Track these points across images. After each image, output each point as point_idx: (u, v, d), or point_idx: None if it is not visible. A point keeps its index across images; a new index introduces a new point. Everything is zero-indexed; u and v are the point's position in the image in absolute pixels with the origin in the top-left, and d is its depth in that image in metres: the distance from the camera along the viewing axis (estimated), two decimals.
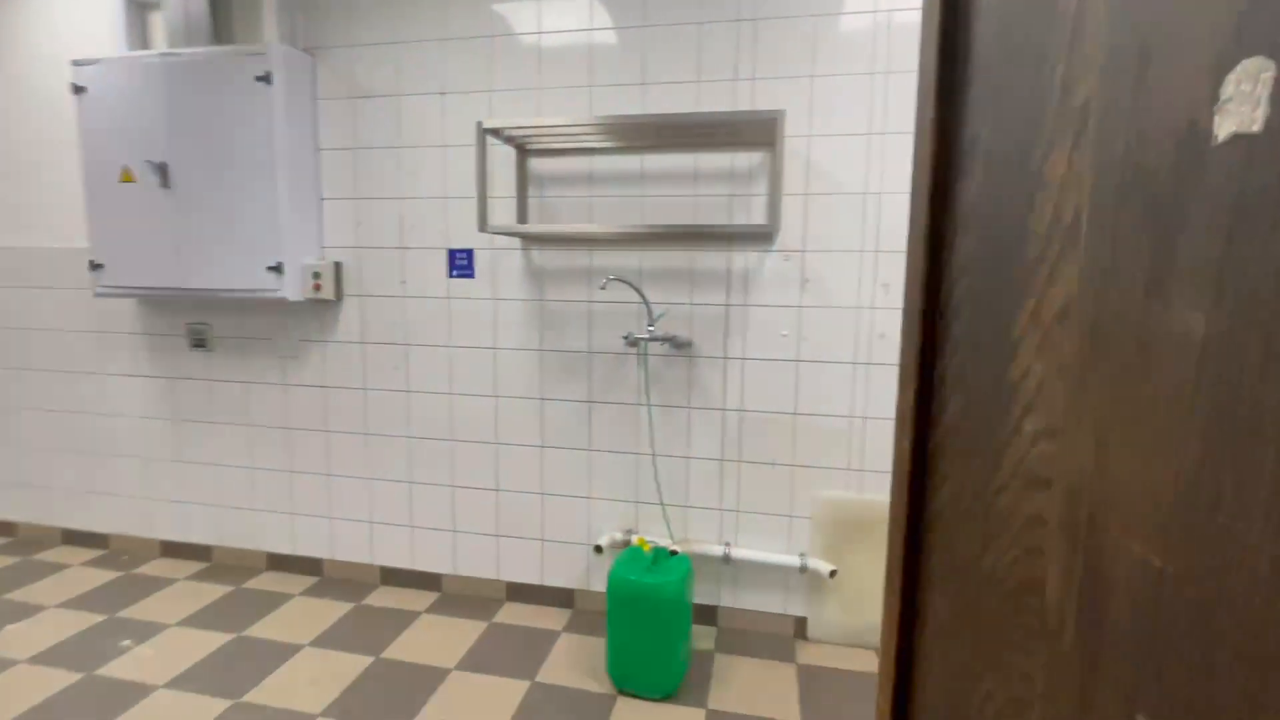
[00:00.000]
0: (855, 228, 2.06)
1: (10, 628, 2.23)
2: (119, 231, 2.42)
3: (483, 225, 2.00)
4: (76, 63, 2.39)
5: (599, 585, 2.37)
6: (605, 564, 2.34)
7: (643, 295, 2.11)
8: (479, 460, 2.42)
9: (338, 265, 2.44)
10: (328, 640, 2.18)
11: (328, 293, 2.40)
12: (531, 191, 2.28)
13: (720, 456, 2.23)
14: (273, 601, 2.44)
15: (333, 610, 2.38)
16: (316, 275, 2.38)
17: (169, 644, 2.14)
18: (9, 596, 2.44)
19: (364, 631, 2.24)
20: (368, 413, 2.50)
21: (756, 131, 1.95)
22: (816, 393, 2.13)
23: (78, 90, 2.39)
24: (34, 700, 1.85)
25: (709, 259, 2.17)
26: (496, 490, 2.43)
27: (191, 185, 2.33)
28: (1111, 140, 0.33)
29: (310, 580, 2.61)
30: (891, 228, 2.04)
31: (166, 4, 2.40)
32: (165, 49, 2.33)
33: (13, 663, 2.03)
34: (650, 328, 2.11)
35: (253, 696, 1.89)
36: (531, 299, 2.31)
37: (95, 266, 2.46)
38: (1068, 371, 0.36)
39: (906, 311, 0.57)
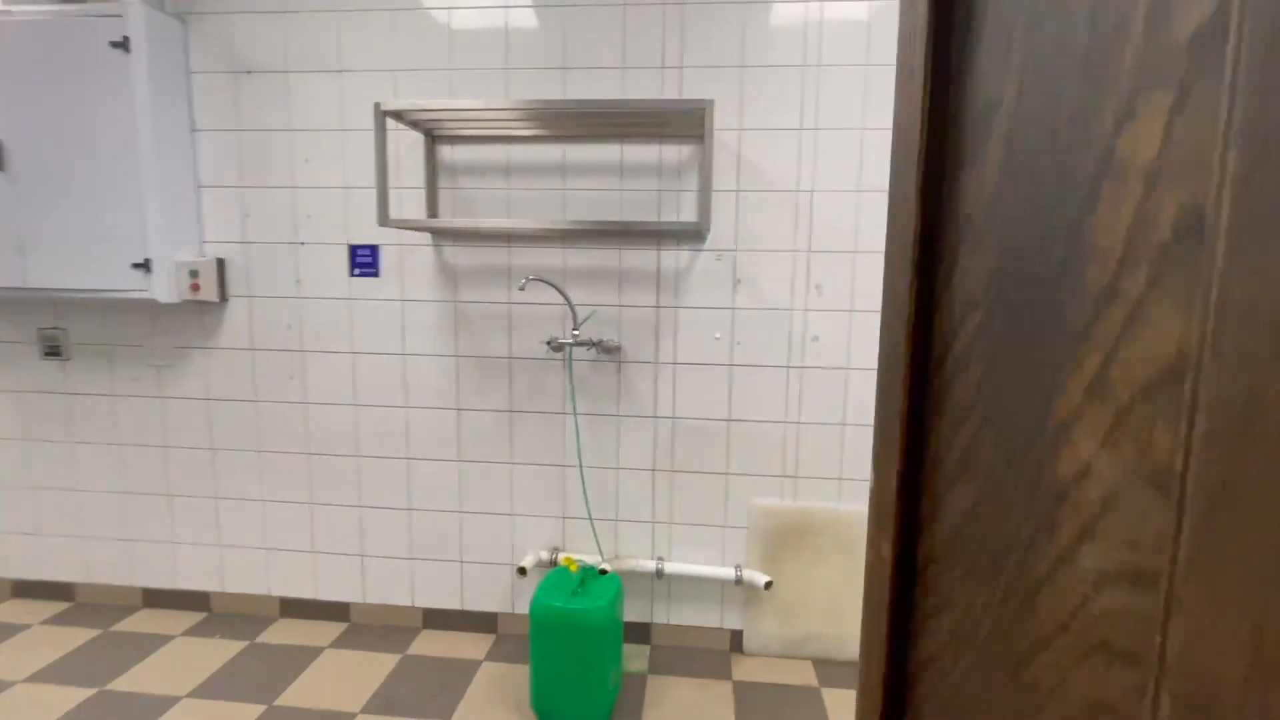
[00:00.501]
0: (788, 227, 1.98)
1: None
2: None
3: (383, 219, 1.79)
4: None
5: (524, 607, 2.21)
6: (530, 585, 2.18)
7: (566, 296, 1.96)
8: (389, 477, 2.21)
9: (220, 262, 2.15)
10: (212, 688, 1.92)
11: (209, 293, 2.12)
12: (443, 182, 2.08)
13: (652, 467, 2.11)
14: (147, 645, 2.14)
15: (220, 651, 2.11)
16: (194, 274, 2.09)
17: (16, 705, 1.83)
18: None
19: (257, 674, 1.99)
20: (260, 427, 2.23)
21: (685, 122, 1.84)
22: (750, 398, 2.05)
23: None
24: None
25: (637, 258, 2.04)
26: (409, 510, 2.22)
27: (36, 168, 1.99)
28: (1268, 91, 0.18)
29: (195, 617, 2.31)
30: (825, 227, 1.97)
31: None
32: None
33: None
34: (575, 331, 1.96)
35: None
36: (444, 300, 2.12)
37: None
38: (1166, 479, 0.21)
39: (884, 359, 0.42)
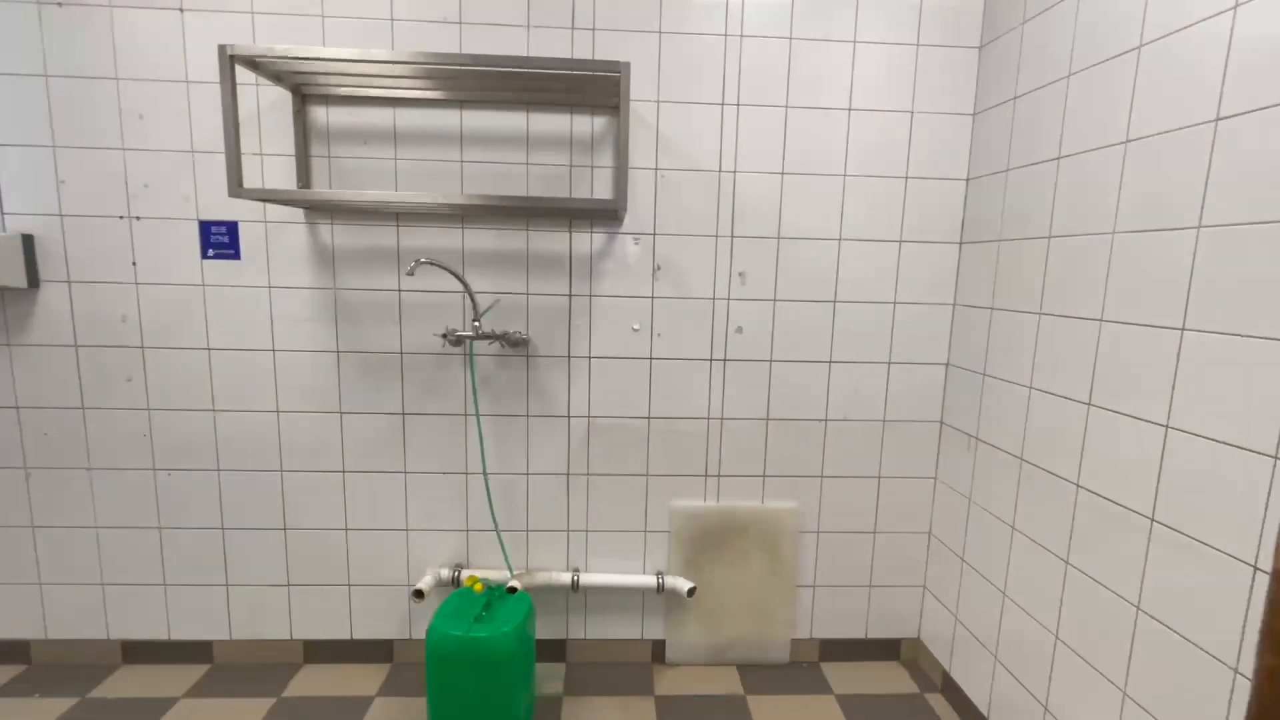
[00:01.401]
0: (709, 209, 1.85)
1: None
2: None
3: (235, 188, 1.48)
4: None
5: (423, 632, 1.97)
6: (431, 609, 1.95)
7: (464, 283, 1.73)
8: (258, 493, 1.89)
9: (27, 239, 1.75)
10: None
11: (12, 277, 1.71)
12: (317, 150, 1.78)
13: (566, 470, 1.93)
14: None
15: (40, 714, 1.73)
16: None
17: None
18: None
19: None
20: (89, 440, 1.85)
21: (598, 90, 1.65)
22: (671, 394, 1.91)
23: None
24: None
25: (546, 240, 1.83)
26: (284, 529, 1.92)
27: None
28: None
29: (12, 671, 1.90)
30: (748, 211, 1.85)
31: None
32: None
33: None
34: (476, 323, 1.74)
35: None
36: (321, 287, 1.82)
37: None
38: None
39: None
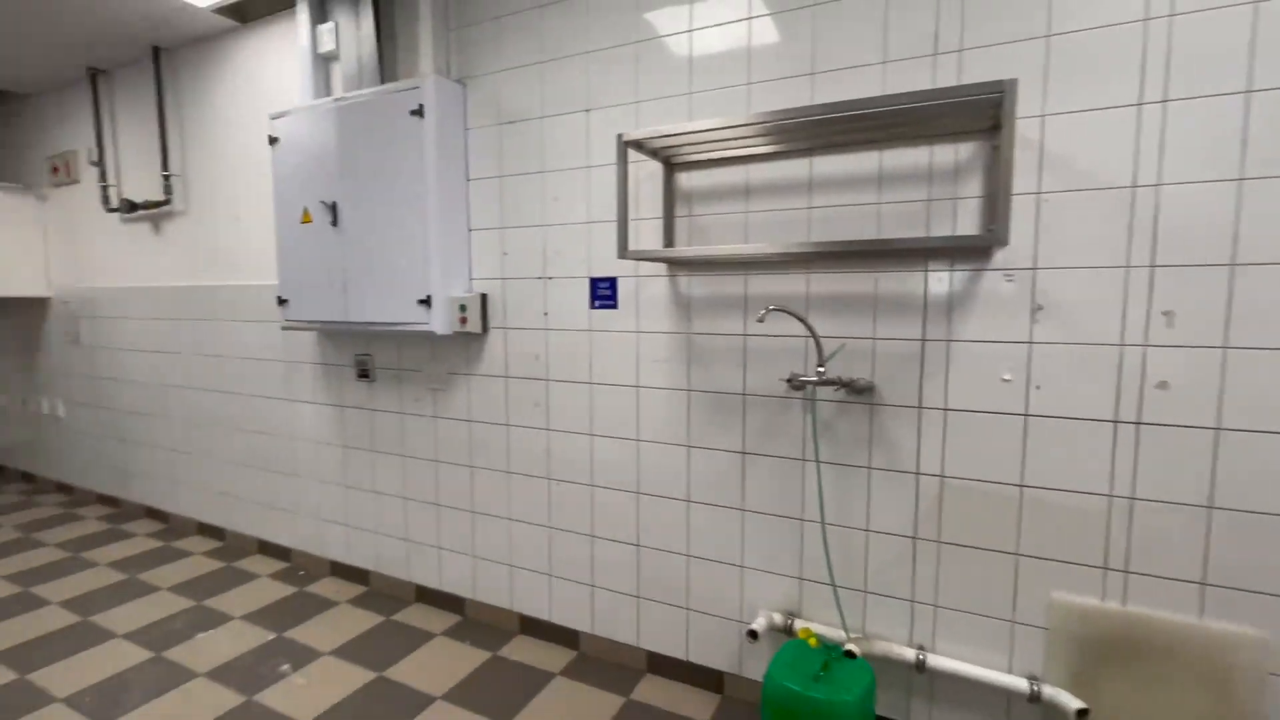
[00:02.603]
0: (1118, 234, 1.49)
1: (201, 636, 2.41)
2: (299, 269, 2.58)
3: (623, 250, 1.76)
4: (273, 116, 2.60)
5: (754, 672, 1.99)
6: (762, 651, 1.96)
7: (810, 328, 1.73)
8: (619, 510, 2.18)
9: (484, 297, 2.37)
10: (461, 696, 2.06)
11: (473, 325, 2.33)
12: (680, 210, 2.01)
13: (913, 533, 1.74)
14: (415, 639, 2.39)
15: (468, 659, 2.27)
16: (463, 308, 2.32)
17: (319, 675, 2.16)
18: (208, 603, 2.68)
19: (496, 691, 2.08)
20: (510, 450, 2.38)
21: (964, 115, 1.49)
22: (1055, 459, 1.57)
23: (272, 141, 2.60)
24: None
25: (898, 282, 1.72)
26: (637, 546, 2.16)
27: (356, 222, 2.40)
28: None
29: (452, 619, 2.55)
30: (1175, 231, 1.44)
31: (344, 53, 2.52)
32: (340, 94, 2.44)
33: (193, 674, 2.16)
34: (820, 368, 1.71)
35: None
36: (678, 331, 2.03)
37: (281, 302, 2.65)
38: None
39: None
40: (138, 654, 2.29)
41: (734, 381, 1.95)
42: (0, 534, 3.44)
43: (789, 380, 1.76)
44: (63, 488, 4.16)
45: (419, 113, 2.21)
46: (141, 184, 3.42)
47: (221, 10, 2.80)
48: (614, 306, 2.14)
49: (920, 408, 1.71)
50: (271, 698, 2.04)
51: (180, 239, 3.31)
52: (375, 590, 2.79)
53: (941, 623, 1.73)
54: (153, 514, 3.66)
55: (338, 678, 2.15)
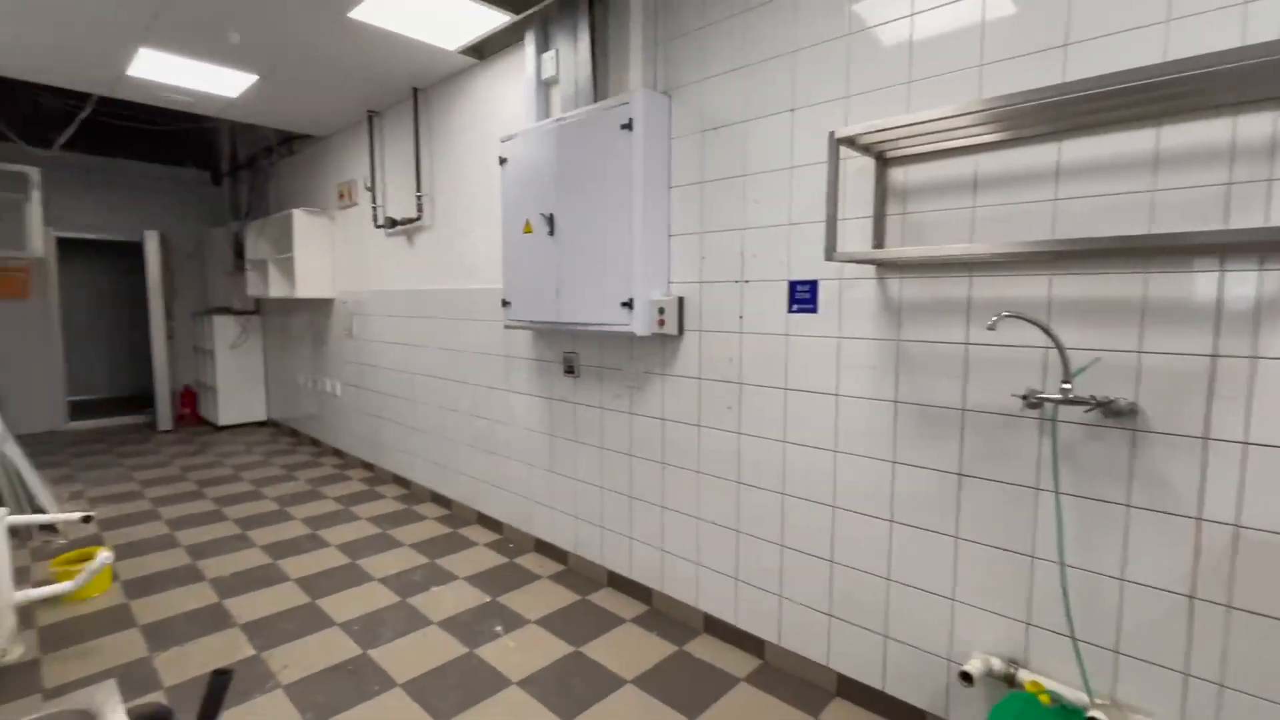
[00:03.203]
0: None
1: (435, 589, 2.82)
2: (520, 274, 2.88)
3: (830, 252, 1.69)
4: (502, 139, 2.94)
5: (962, 718, 1.79)
6: (974, 698, 1.75)
7: (1054, 337, 1.50)
8: (811, 522, 2.10)
9: (680, 300, 2.44)
10: (649, 684, 2.14)
11: (670, 328, 2.41)
12: (892, 208, 1.87)
13: (1189, 591, 1.43)
14: (607, 621, 2.55)
15: (656, 649, 2.35)
16: (661, 310, 2.41)
17: (526, 640, 2.40)
18: (439, 562, 3.12)
19: (683, 685, 2.13)
20: (700, 451, 2.43)
21: None
22: None
23: (502, 161, 2.94)
24: (433, 663, 2.25)
25: (1177, 284, 1.42)
26: (830, 561, 2.06)
27: (569, 231, 2.62)
28: None
29: (640, 608, 2.66)
30: None
31: (563, 77, 2.77)
32: (558, 115, 2.68)
33: (429, 622, 2.53)
34: (1065, 384, 1.48)
35: None
36: (885, 338, 1.90)
37: (505, 304, 2.99)
38: None
39: None
40: (388, 597, 2.74)
41: (950, 394, 1.77)
42: (296, 485, 4.36)
43: (1024, 396, 1.55)
44: (337, 452, 5.14)
45: (628, 126, 2.34)
46: (400, 203, 4.09)
47: (465, 51, 3.24)
48: (813, 310, 2.06)
49: (1207, 438, 1.39)
50: (488, 653, 2.31)
51: (427, 249, 3.90)
52: (572, 569, 3.02)
53: (1228, 707, 1.39)
54: (398, 480, 4.36)
55: (541, 646, 2.36)
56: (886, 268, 1.89)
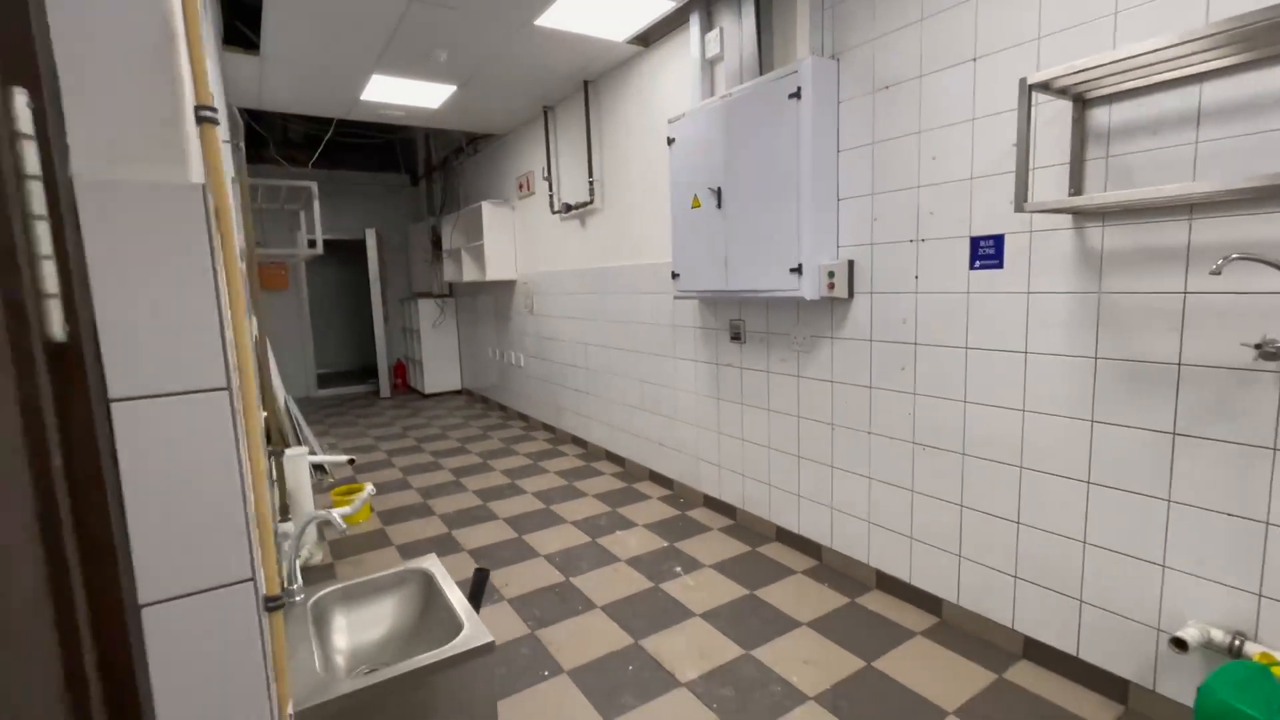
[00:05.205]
0: None
1: (619, 533, 3.16)
2: (689, 247, 3.07)
3: (1021, 204, 1.65)
4: (670, 120, 3.13)
5: (1171, 689, 1.70)
6: (1186, 666, 1.66)
7: None
8: (995, 483, 2.07)
9: (850, 263, 2.47)
10: (824, 627, 2.27)
11: (840, 291, 2.46)
12: (1092, 152, 1.76)
13: None
14: (778, 571, 2.70)
15: (828, 599, 2.46)
16: (831, 274, 2.46)
17: (703, 581, 2.63)
18: (619, 510, 3.47)
19: (856, 631, 2.23)
20: (872, 411, 2.46)
21: None
22: None
23: (670, 142, 3.13)
24: (624, 593, 2.56)
25: None
26: (1016, 523, 2.02)
27: (736, 203, 2.74)
28: None
29: (810, 561, 2.77)
30: None
31: (727, 54, 2.88)
32: (723, 92, 2.80)
33: (617, 559, 2.86)
34: None
35: (759, 653, 2.12)
36: (1083, 291, 1.80)
37: (674, 276, 3.20)
38: None
39: None
40: (580, 537, 3.13)
41: (1164, 348, 1.65)
42: (491, 443, 5.02)
43: (1258, 345, 1.42)
44: (522, 416, 5.79)
45: (796, 95, 2.40)
46: (573, 189, 4.48)
47: (632, 40, 3.46)
48: (998, 266, 2.00)
49: None
50: (670, 589, 2.58)
51: (598, 230, 4.24)
52: (740, 524, 3.20)
53: None
54: (576, 441, 4.83)
55: (717, 586, 2.58)
56: (1085, 216, 1.78)
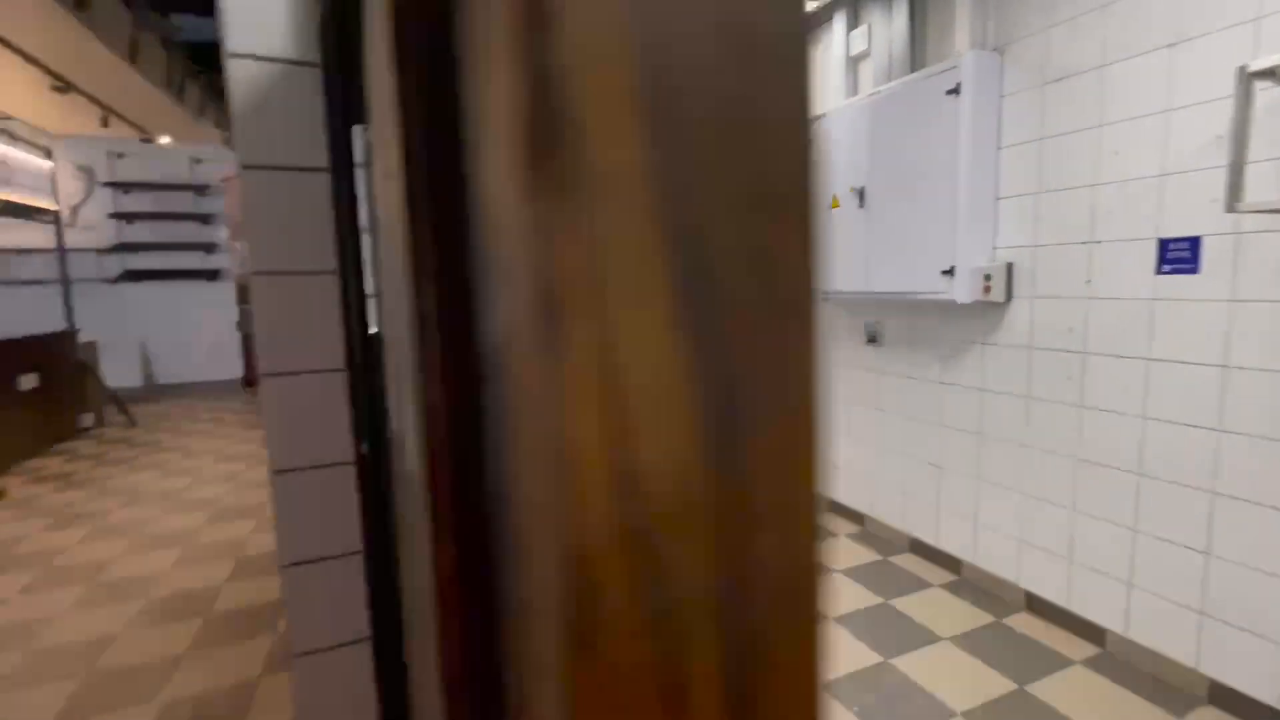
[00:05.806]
0: None
1: None
2: (828, 248, 3.03)
3: (1234, 203, 1.51)
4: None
5: None
6: None
7: None
8: (1178, 507, 1.89)
9: (1009, 266, 2.34)
10: (969, 645, 2.18)
11: (996, 295, 2.34)
12: None
13: None
14: (913, 583, 2.61)
15: (971, 616, 2.36)
16: (987, 277, 2.35)
17: (834, 586, 2.60)
18: None
19: (1005, 653, 2.12)
20: (1028, 423, 2.32)
21: None
22: None
23: None
24: None
25: None
26: (1206, 554, 1.84)
27: (881, 203, 2.68)
28: None
29: (948, 575, 2.66)
30: None
31: (875, 51, 2.82)
32: (871, 90, 2.74)
33: None
34: None
35: (898, 663, 2.08)
36: None
37: None
38: None
39: None
40: None
41: None
42: None
43: None
44: None
45: (955, 91, 2.31)
46: None
47: None
48: (1193, 271, 1.83)
49: None
50: None
51: None
52: (868, 531, 3.12)
53: None
54: None
55: (849, 593, 2.55)
56: None
